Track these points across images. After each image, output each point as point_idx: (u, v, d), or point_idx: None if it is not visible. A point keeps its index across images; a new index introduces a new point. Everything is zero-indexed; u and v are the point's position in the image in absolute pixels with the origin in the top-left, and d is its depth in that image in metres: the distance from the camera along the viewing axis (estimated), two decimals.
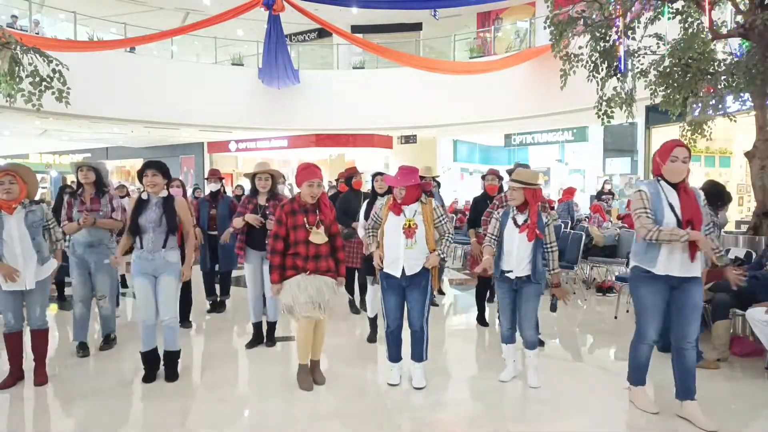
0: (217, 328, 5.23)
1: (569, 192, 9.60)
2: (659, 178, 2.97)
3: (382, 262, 3.47)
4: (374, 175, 4.85)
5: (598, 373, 4.04)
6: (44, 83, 6.35)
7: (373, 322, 4.65)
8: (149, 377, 3.64)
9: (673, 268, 2.90)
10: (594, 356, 4.53)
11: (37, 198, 5.85)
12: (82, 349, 4.25)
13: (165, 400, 3.39)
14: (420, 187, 3.44)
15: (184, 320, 4.92)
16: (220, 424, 3.04)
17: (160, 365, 3.72)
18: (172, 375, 3.69)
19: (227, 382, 3.76)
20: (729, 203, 4.66)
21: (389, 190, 4.50)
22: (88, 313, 4.31)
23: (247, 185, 6.09)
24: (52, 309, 5.96)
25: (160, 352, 3.72)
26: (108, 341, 4.45)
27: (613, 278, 6.77)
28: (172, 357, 3.72)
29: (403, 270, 3.39)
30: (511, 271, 3.45)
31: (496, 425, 3.06)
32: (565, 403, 3.34)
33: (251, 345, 4.44)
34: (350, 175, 5.66)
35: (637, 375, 3.18)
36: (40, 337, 3.66)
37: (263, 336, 4.49)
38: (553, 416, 3.14)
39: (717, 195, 4.40)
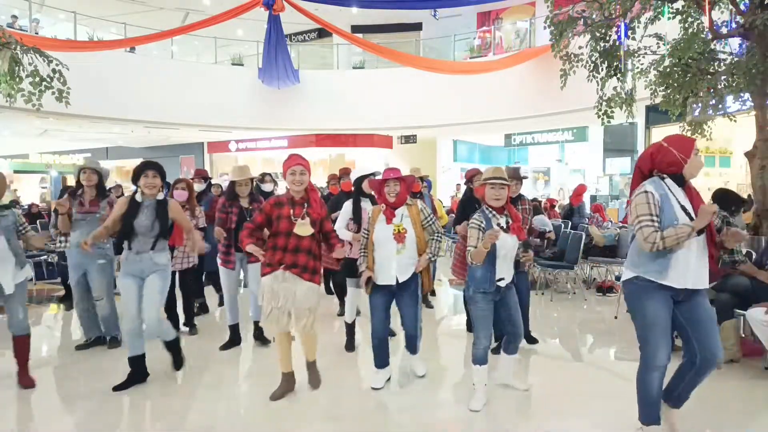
0: (220, 326, 5.23)
1: (582, 191, 9.08)
2: (664, 175, 2.53)
3: (368, 287, 3.43)
4: (368, 175, 4.18)
5: (598, 373, 4.04)
6: (44, 83, 6.35)
7: (350, 328, 4.39)
8: (123, 384, 3.49)
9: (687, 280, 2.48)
10: (594, 356, 4.53)
11: (45, 200, 5.88)
12: (96, 343, 4.38)
13: (163, 401, 3.39)
14: (407, 186, 3.43)
15: (191, 326, 4.90)
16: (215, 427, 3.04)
17: (144, 377, 3.61)
18: (177, 361, 3.75)
19: (225, 382, 3.75)
20: (744, 208, 4.63)
21: (371, 197, 4.16)
22: (87, 312, 4.39)
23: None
24: (53, 309, 5.97)
25: (154, 357, 3.64)
26: (113, 342, 4.40)
27: (613, 278, 6.77)
28: (172, 344, 3.72)
29: (396, 277, 3.37)
30: (503, 279, 3.19)
31: (495, 425, 3.07)
32: (565, 403, 3.34)
33: (226, 347, 4.39)
34: (341, 176, 5.37)
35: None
36: (23, 343, 3.59)
37: (240, 338, 4.46)
38: (553, 416, 3.13)
39: (730, 202, 4.46)
